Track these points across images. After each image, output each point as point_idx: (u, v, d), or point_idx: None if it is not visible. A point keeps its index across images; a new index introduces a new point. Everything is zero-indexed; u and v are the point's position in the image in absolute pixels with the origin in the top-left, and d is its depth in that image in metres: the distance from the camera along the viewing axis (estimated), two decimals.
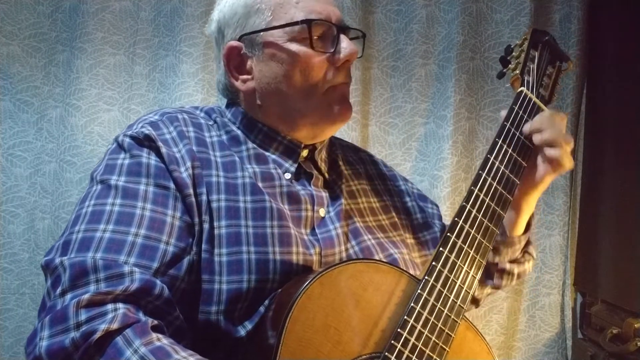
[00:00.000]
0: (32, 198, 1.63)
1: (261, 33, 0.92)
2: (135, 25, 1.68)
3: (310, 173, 0.97)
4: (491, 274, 1.07)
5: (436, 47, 1.78)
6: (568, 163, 0.94)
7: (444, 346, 0.80)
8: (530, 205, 1.02)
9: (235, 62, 0.95)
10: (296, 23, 0.90)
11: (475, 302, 1.12)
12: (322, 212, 0.94)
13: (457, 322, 0.82)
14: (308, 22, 0.90)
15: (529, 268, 1.12)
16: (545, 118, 0.95)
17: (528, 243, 1.10)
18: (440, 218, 1.14)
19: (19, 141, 1.63)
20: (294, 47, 0.91)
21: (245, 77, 0.95)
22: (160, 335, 0.72)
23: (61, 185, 1.62)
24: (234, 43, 0.94)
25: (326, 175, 0.99)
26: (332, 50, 0.92)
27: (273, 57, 0.92)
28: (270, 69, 0.93)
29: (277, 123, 0.96)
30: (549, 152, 0.93)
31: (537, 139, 0.94)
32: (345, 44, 0.93)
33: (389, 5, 1.78)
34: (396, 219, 1.05)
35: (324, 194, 0.96)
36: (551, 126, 0.93)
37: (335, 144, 1.08)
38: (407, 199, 1.11)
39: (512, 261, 1.08)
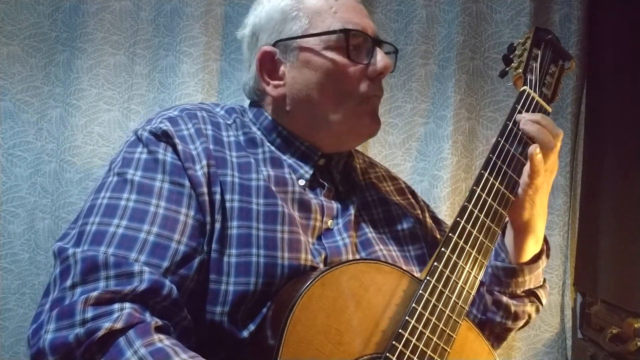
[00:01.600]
0: (32, 198, 1.62)
1: (297, 39, 0.92)
2: (135, 25, 1.68)
3: (323, 183, 0.96)
4: (486, 304, 1.00)
5: (436, 47, 1.78)
6: (551, 163, 0.93)
7: (445, 347, 0.80)
8: (531, 225, 0.95)
9: (268, 67, 0.95)
10: (334, 32, 0.91)
11: None
12: (330, 223, 0.93)
13: (458, 322, 0.82)
14: (346, 32, 0.91)
15: (530, 311, 1.01)
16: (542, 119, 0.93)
17: (540, 287, 1.02)
18: None
19: (19, 141, 1.63)
20: (329, 54, 0.91)
21: (277, 82, 0.95)
22: (162, 336, 0.72)
23: (61, 185, 1.62)
24: (268, 48, 0.94)
25: (339, 187, 0.99)
26: (366, 62, 0.92)
27: (307, 64, 0.92)
28: (303, 76, 0.92)
29: (301, 130, 0.95)
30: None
31: (523, 128, 0.92)
32: (380, 57, 0.93)
33: (389, 6, 1.78)
34: (417, 230, 1.03)
35: (335, 206, 0.95)
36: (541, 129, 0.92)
37: (352, 155, 1.07)
38: (424, 214, 1.09)
39: (512, 296, 1.00)
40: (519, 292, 1.00)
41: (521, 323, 1.03)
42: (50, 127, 1.64)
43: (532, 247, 0.98)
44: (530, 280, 1.00)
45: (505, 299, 1.00)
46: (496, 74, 1.76)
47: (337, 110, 0.93)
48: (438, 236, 1.08)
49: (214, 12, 1.69)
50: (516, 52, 1.04)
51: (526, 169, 0.92)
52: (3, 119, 1.62)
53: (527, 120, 0.93)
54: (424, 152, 1.78)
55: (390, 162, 1.75)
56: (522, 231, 0.97)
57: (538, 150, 0.90)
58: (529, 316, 1.03)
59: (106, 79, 1.65)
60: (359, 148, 1.60)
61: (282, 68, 0.94)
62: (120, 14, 1.67)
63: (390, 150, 1.78)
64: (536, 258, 1.00)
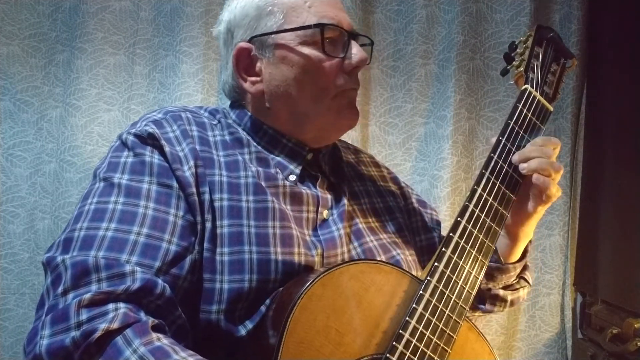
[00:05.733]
0: (32, 198, 1.62)
1: (273, 35, 0.92)
2: (135, 25, 1.68)
3: (316, 175, 0.97)
4: (483, 299, 1.05)
5: (436, 47, 1.78)
6: (556, 192, 0.93)
7: (446, 347, 0.80)
8: (527, 233, 0.99)
9: (244, 64, 0.95)
10: (309, 27, 0.90)
11: None
12: (325, 214, 0.93)
13: (459, 323, 0.82)
14: (321, 26, 0.90)
15: (523, 295, 1.09)
16: (534, 146, 0.92)
17: (525, 268, 1.07)
18: (439, 224, 1.13)
19: (19, 141, 1.63)
20: (305, 50, 0.91)
21: (254, 79, 0.95)
22: (160, 335, 0.71)
23: (61, 185, 1.62)
24: (244, 44, 0.94)
25: (330, 178, 0.99)
26: (342, 55, 0.92)
27: (284, 60, 0.92)
28: (280, 72, 0.92)
29: (284, 126, 0.95)
30: (536, 180, 0.91)
31: (523, 168, 0.91)
32: (356, 50, 0.93)
33: (389, 5, 1.78)
34: (399, 220, 1.05)
35: (329, 196, 0.96)
36: (540, 155, 0.91)
37: (337, 146, 1.08)
38: (408, 201, 1.11)
39: (505, 287, 1.06)
40: (510, 281, 1.05)
41: (515, 304, 1.10)
42: (50, 127, 1.64)
43: (522, 248, 1.03)
44: (518, 268, 1.05)
45: (502, 292, 1.05)
46: (496, 74, 1.76)
47: (315, 105, 0.93)
48: (426, 219, 1.11)
49: (214, 12, 1.69)
50: (518, 50, 1.02)
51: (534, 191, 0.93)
52: (3, 119, 1.62)
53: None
54: (424, 152, 1.78)
55: (390, 162, 1.75)
56: (516, 239, 1.00)
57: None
58: (523, 298, 1.10)
59: (106, 79, 1.65)
60: (357, 144, 1.61)
61: (258, 64, 0.94)
62: (120, 14, 1.67)
63: (390, 150, 1.78)
64: (526, 250, 1.04)
